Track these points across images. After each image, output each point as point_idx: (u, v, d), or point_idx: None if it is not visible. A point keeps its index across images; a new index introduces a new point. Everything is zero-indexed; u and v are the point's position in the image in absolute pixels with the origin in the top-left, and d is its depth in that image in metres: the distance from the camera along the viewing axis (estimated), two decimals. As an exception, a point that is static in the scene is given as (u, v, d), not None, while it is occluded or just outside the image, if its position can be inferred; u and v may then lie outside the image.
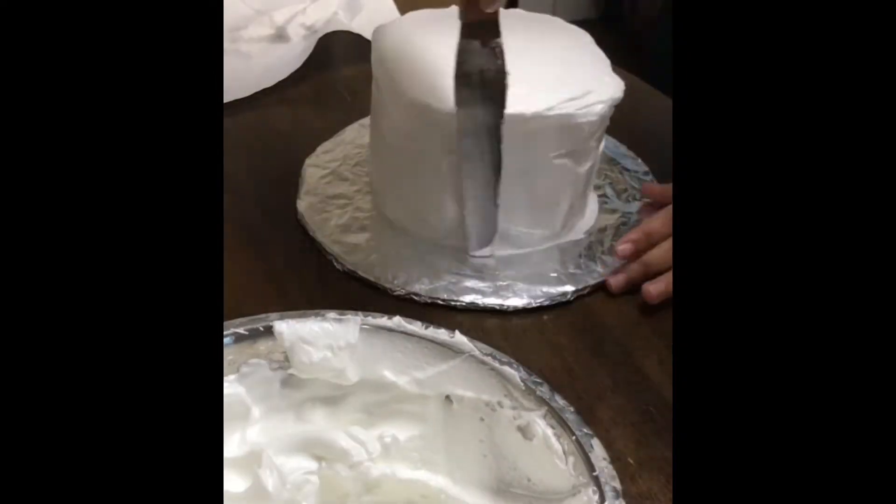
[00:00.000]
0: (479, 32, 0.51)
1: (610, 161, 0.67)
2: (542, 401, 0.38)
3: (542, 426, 0.38)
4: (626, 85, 0.56)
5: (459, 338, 0.41)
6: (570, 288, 0.56)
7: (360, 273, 0.56)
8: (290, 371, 0.42)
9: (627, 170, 0.67)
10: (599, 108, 0.55)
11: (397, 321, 0.41)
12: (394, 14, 0.83)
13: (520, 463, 0.39)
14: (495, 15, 0.50)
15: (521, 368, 0.40)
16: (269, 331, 0.41)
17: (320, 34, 0.78)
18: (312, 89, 0.76)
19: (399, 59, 0.57)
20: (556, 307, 0.55)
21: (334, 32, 0.79)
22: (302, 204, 0.62)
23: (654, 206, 0.62)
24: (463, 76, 0.51)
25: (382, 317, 0.42)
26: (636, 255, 0.57)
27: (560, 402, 0.38)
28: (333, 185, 0.64)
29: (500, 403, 0.40)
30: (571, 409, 0.38)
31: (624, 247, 0.57)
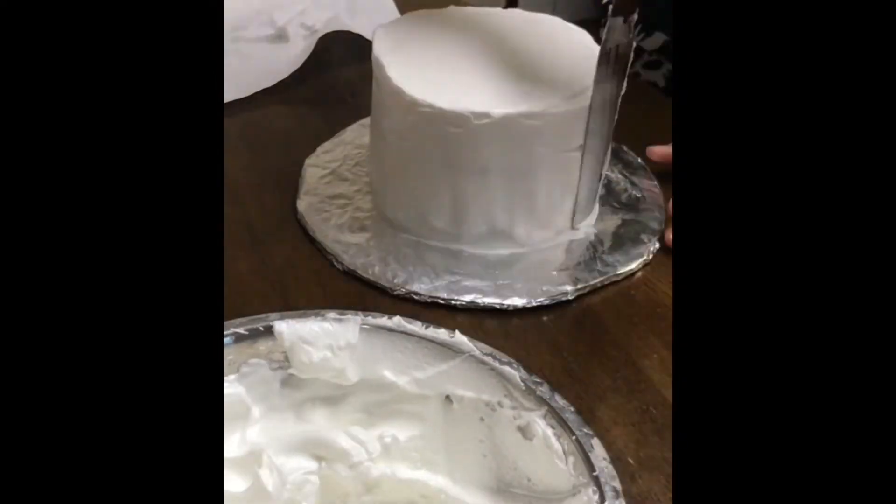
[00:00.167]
0: (626, 7, 0.51)
1: (610, 161, 0.67)
2: (542, 401, 0.38)
3: (542, 426, 0.38)
4: (627, 85, 0.56)
5: (459, 338, 0.41)
6: (570, 288, 0.56)
7: (360, 273, 0.56)
8: (290, 371, 0.42)
9: (627, 170, 0.67)
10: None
11: (397, 321, 0.41)
12: (394, 14, 0.83)
13: (520, 463, 0.39)
14: None
15: (520, 368, 0.40)
16: (269, 331, 0.41)
17: (320, 34, 0.78)
18: (312, 89, 0.76)
19: (399, 59, 0.57)
20: (556, 307, 0.55)
21: (334, 32, 0.79)
22: (302, 204, 0.62)
23: None
24: (604, 55, 0.52)
25: (382, 317, 0.42)
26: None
27: (560, 402, 0.38)
28: (333, 185, 0.64)
29: (500, 403, 0.40)
30: (572, 409, 0.38)
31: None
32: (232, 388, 0.41)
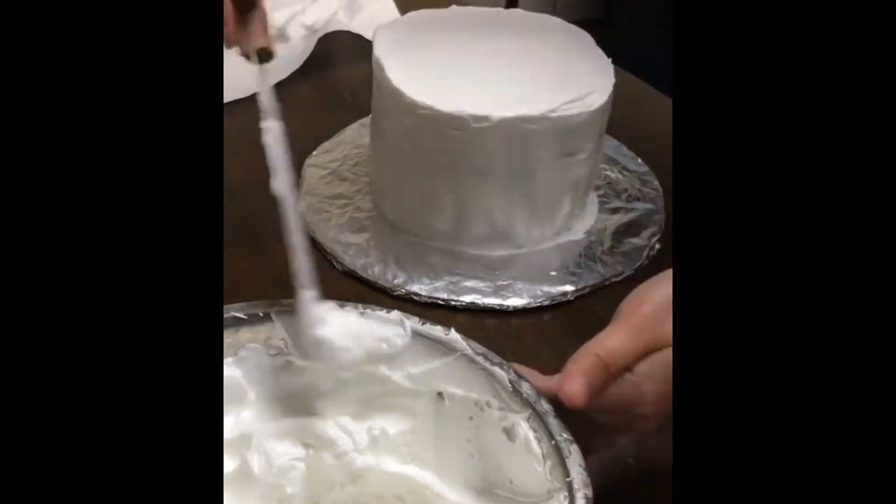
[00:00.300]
0: None
1: (610, 161, 0.67)
2: (527, 403, 0.38)
3: (524, 428, 0.38)
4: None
5: (454, 335, 0.41)
6: (570, 288, 0.56)
7: (360, 273, 0.56)
8: (289, 358, 0.42)
9: (627, 170, 0.67)
10: (600, 109, 0.55)
11: (395, 315, 0.42)
12: (394, 14, 0.83)
13: (503, 464, 0.39)
14: None
15: (510, 370, 0.40)
16: (268, 316, 0.42)
17: (320, 34, 0.78)
18: (312, 89, 0.76)
19: (399, 60, 0.57)
20: (556, 307, 0.55)
21: (334, 32, 0.79)
22: (302, 204, 0.62)
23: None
24: None
25: (381, 310, 0.42)
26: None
27: (545, 405, 0.38)
28: (333, 185, 0.64)
29: (488, 403, 0.40)
30: (555, 413, 0.38)
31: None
32: (228, 370, 0.41)
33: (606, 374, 0.39)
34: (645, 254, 0.59)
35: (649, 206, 0.63)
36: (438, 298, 0.55)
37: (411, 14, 0.63)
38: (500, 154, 0.54)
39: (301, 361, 0.42)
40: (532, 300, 0.55)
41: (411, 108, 0.54)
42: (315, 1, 0.84)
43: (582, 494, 0.35)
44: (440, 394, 0.41)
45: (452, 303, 0.55)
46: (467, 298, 0.55)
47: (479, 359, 0.40)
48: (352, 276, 0.56)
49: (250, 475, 0.40)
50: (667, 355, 0.38)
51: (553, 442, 0.37)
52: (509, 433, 0.39)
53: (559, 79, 0.56)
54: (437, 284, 0.55)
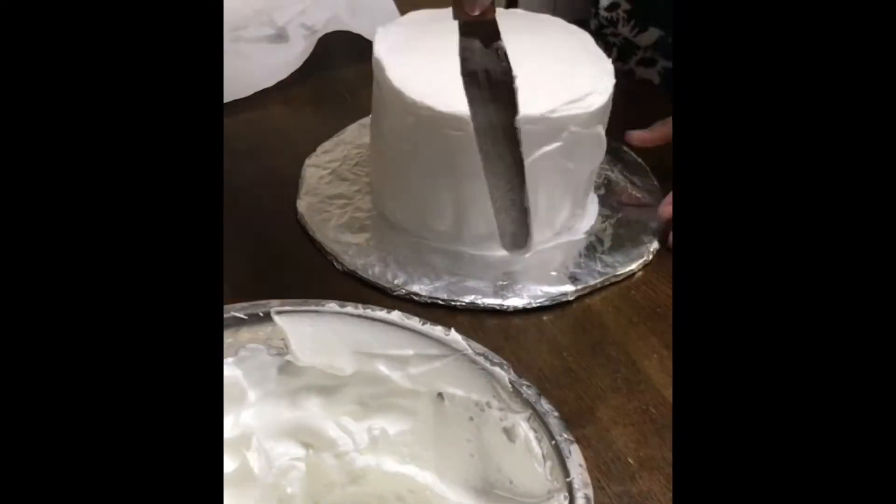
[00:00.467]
0: (479, 33, 0.50)
1: (610, 161, 0.67)
2: (527, 403, 0.38)
3: (524, 429, 0.38)
4: (627, 85, 0.56)
5: (454, 336, 0.41)
6: (570, 288, 0.56)
7: (360, 273, 0.56)
8: (288, 358, 0.42)
9: (627, 170, 0.67)
10: (600, 109, 0.55)
11: (397, 315, 0.42)
12: (394, 14, 0.83)
13: (503, 464, 0.39)
14: (490, 17, 0.50)
15: (510, 370, 0.40)
16: (268, 316, 0.42)
17: (320, 34, 0.78)
18: (312, 89, 0.76)
19: (399, 59, 0.56)
20: (556, 307, 0.55)
21: (334, 32, 0.79)
22: (302, 204, 0.62)
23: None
24: (469, 75, 0.50)
25: (382, 310, 0.42)
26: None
27: (545, 406, 0.38)
28: (333, 185, 0.64)
29: (488, 404, 0.40)
30: (556, 413, 0.38)
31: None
32: (228, 370, 0.41)
33: None
34: (645, 254, 0.59)
35: (649, 205, 0.63)
36: (438, 298, 0.55)
37: (411, 14, 0.63)
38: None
39: (301, 361, 0.42)
40: (532, 300, 0.55)
41: (411, 108, 0.54)
42: (315, 1, 0.84)
43: (582, 494, 0.35)
44: (440, 394, 0.41)
45: (452, 303, 0.55)
46: (467, 298, 0.55)
47: (479, 359, 0.40)
48: (352, 276, 0.56)
49: (250, 475, 0.40)
50: None
51: (553, 442, 0.37)
52: (509, 433, 0.39)
53: (559, 79, 0.56)
54: (437, 284, 0.55)
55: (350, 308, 0.42)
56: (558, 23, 0.64)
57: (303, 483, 0.42)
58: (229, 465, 0.40)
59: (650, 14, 0.75)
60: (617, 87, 0.57)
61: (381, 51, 0.57)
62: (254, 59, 0.78)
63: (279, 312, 0.42)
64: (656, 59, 0.77)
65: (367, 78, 0.59)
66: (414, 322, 0.42)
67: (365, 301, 0.51)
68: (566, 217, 0.59)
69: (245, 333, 0.42)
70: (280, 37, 0.81)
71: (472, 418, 0.41)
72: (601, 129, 0.57)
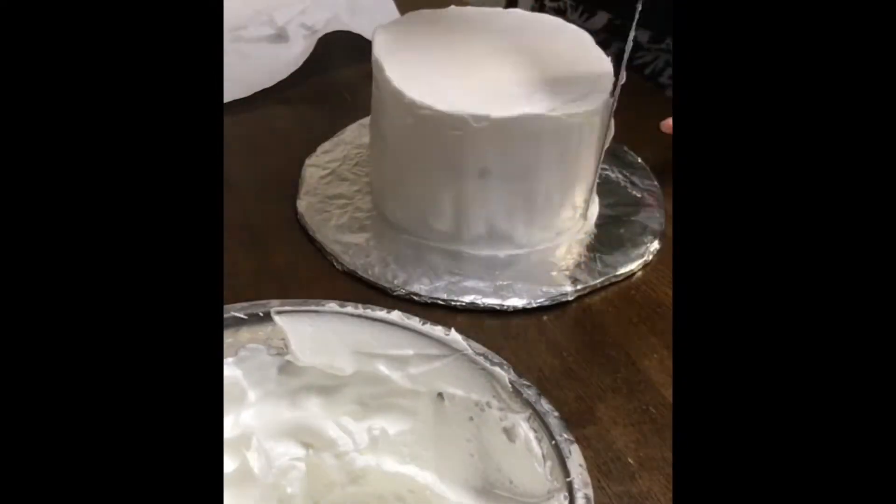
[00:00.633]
0: None
1: (610, 161, 0.67)
2: (527, 403, 0.38)
3: (524, 429, 0.38)
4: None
5: (454, 336, 0.41)
6: (569, 288, 0.56)
7: (360, 273, 0.56)
8: (288, 358, 0.42)
9: (627, 170, 0.67)
10: (600, 109, 0.55)
11: (397, 315, 0.42)
12: (394, 14, 0.83)
13: (504, 464, 0.39)
14: None
15: (510, 370, 0.40)
16: (268, 316, 0.42)
17: (320, 34, 0.78)
18: (312, 89, 0.76)
19: (399, 60, 0.57)
20: (556, 307, 0.55)
21: (334, 32, 0.79)
22: (302, 204, 0.62)
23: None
24: None
25: (382, 310, 0.42)
26: None
27: (545, 406, 0.38)
28: (333, 185, 0.64)
29: (488, 404, 0.40)
30: (556, 413, 0.38)
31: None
32: (228, 370, 0.41)
33: None
34: (645, 254, 0.59)
35: (649, 205, 0.63)
36: (438, 298, 0.55)
37: (411, 14, 0.63)
38: (500, 154, 0.54)
39: (301, 361, 0.42)
40: (532, 300, 0.55)
41: (411, 108, 0.54)
42: (315, 1, 0.84)
43: (582, 494, 0.35)
44: (440, 394, 0.41)
45: (452, 303, 0.55)
46: (467, 298, 0.55)
47: (479, 359, 0.40)
48: (352, 276, 0.56)
49: (250, 475, 0.40)
50: None
51: (553, 442, 0.37)
52: (509, 433, 0.39)
53: (559, 79, 0.56)
54: (437, 284, 0.55)
55: (350, 308, 0.42)
56: (558, 22, 0.64)
57: (303, 483, 0.42)
58: (229, 465, 0.40)
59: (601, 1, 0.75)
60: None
61: (380, 50, 0.57)
62: (254, 59, 0.78)
63: (279, 312, 0.42)
64: (610, 41, 0.77)
65: (367, 78, 0.59)
66: (414, 322, 0.42)
67: (365, 301, 0.52)
68: (566, 217, 0.59)
69: (245, 333, 0.42)
70: (280, 37, 0.81)
71: (472, 418, 0.41)
72: (601, 128, 0.57)
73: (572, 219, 0.60)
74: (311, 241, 0.59)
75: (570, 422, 0.39)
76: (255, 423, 0.42)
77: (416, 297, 0.55)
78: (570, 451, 0.36)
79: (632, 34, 0.53)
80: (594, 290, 0.57)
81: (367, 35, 0.76)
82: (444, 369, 0.41)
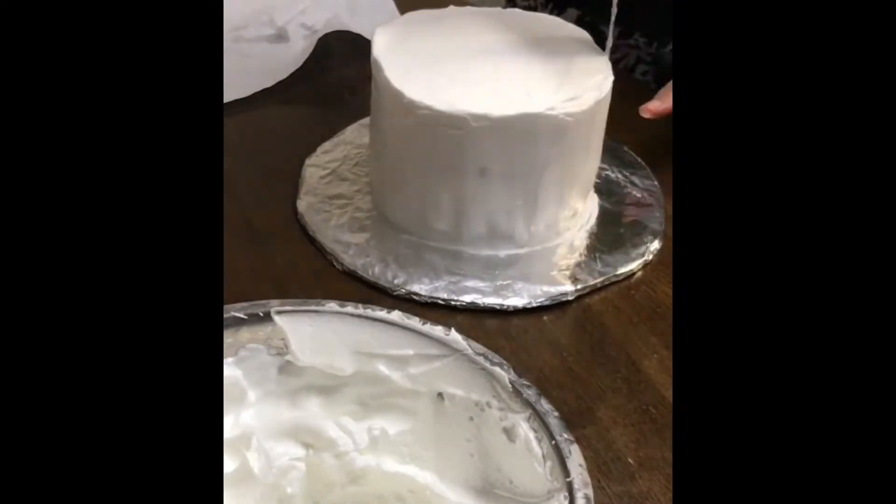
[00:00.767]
0: None
1: (610, 161, 0.67)
2: (527, 403, 0.38)
3: (524, 429, 0.38)
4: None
5: (454, 336, 0.41)
6: (570, 288, 0.56)
7: (360, 273, 0.56)
8: (287, 358, 0.42)
9: (627, 170, 0.67)
10: (599, 108, 0.55)
11: (397, 315, 0.42)
12: (394, 14, 0.83)
13: (503, 464, 0.39)
14: None
15: (510, 370, 0.40)
16: (268, 316, 0.42)
17: (320, 34, 0.78)
18: (312, 89, 0.76)
19: (398, 60, 0.57)
20: (556, 307, 0.55)
21: (334, 32, 0.79)
22: (302, 204, 0.62)
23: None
24: None
25: (382, 310, 0.42)
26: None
27: (545, 406, 0.38)
28: (333, 185, 0.64)
29: (488, 404, 0.40)
30: (556, 413, 0.38)
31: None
32: (228, 370, 0.41)
33: None
34: (645, 254, 0.59)
35: (649, 205, 0.63)
36: (438, 298, 0.55)
37: (410, 14, 0.63)
38: (499, 154, 0.54)
39: (301, 361, 0.42)
40: (532, 300, 0.55)
41: (410, 108, 0.54)
42: (315, 1, 0.84)
43: (582, 494, 0.35)
44: (440, 394, 0.41)
45: (452, 303, 0.55)
46: (467, 298, 0.55)
47: (479, 359, 0.40)
48: (352, 276, 0.56)
49: (250, 475, 0.40)
50: None
51: (553, 442, 0.37)
52: (509, 433, 0.39)
53: (558, 78, 0.56)
54: (437, 284, 0.55)
55: (350, 308, 0.42)
56: (558, 22, 0.64)
57: (303, 483, 0.42)
58: (229, 465, 0.40)
59: None
60: (616, 86, 0.57)
61: (380, 51, 0.57)
62: (254, 59, 0.78)
63: (279, 312, 0.42)
64: None
65: (367, 78, 0.59)
66: (414, 322, 0.42)
67: (365, 301, 0.52)
68: (566, 216, 0.59)
69: (245, 333, 0.42)
70: (280, 37, 0.81)
71: (472, 418, 0.41)
72: (600, 128, 0.57)
73: (572, 218, 0.60)
74: (311, 241, 0.59)
75: (570, 422, 0.39)
76: (255, 423, 0.42)
77: (416, 297, 0.55)
78: (570, 451, 0.36)
79: (611, 29, 0.53)
80: (594, 290, 0.57)
81: (367, 35, 0.76)
82: (444, 369, 0.41)
